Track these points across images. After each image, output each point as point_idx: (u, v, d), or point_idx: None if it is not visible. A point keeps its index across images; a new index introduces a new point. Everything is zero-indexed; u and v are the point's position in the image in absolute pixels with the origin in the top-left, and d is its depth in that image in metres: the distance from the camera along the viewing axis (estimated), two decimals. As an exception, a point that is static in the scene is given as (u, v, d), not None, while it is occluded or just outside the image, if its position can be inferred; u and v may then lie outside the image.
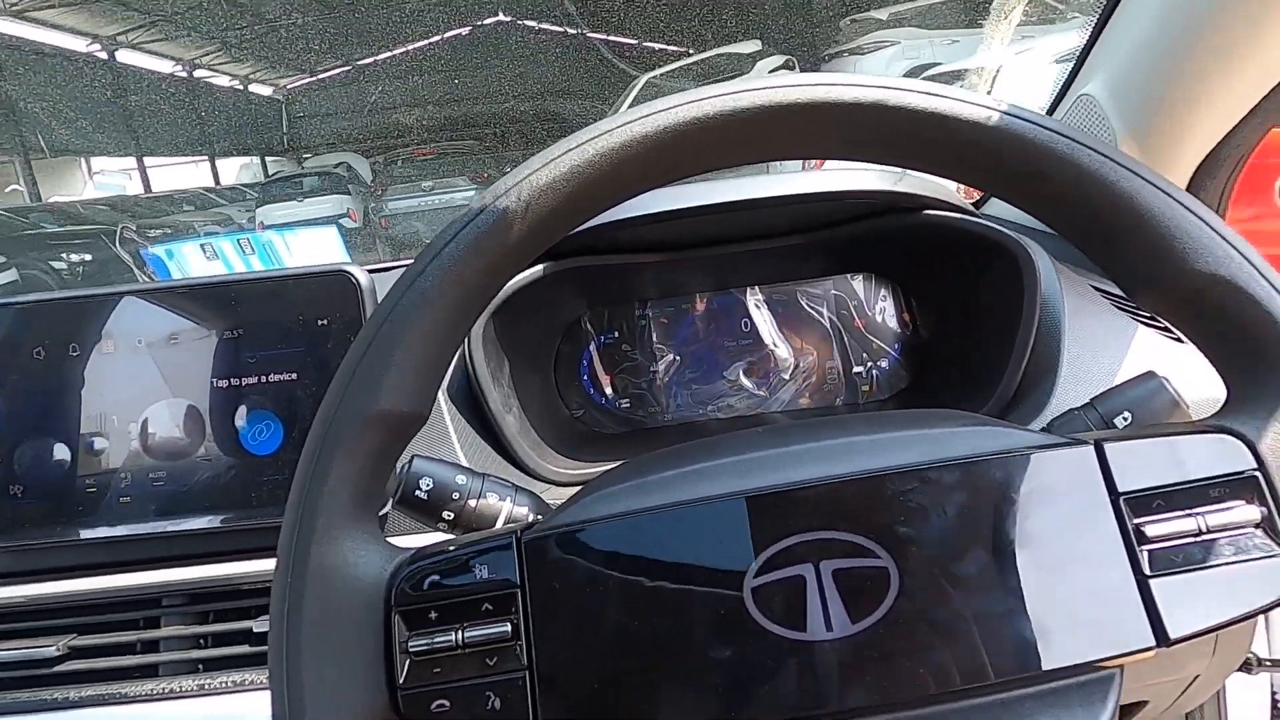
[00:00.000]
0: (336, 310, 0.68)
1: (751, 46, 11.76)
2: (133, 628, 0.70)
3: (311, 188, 11.62)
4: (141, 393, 0.69)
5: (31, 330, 0.70)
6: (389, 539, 0.71)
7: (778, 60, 11.41)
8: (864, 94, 0.43)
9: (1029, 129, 0.42)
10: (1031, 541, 0.39)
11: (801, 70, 11.43)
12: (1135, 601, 0.38)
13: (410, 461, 0.58)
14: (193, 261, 1.39)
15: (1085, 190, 0.42)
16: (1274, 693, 1.06)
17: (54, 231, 9.74)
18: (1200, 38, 0.71)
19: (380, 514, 0.68)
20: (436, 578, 0.41)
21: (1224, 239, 0.41)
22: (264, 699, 0.54)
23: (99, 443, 0.69)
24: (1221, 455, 0.40)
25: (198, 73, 16.49)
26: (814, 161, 1.02)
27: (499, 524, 0.57)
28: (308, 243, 1.43)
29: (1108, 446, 0.41)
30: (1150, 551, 0.39)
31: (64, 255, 8.85)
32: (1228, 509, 0.39)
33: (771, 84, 0.43)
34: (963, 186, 0.89)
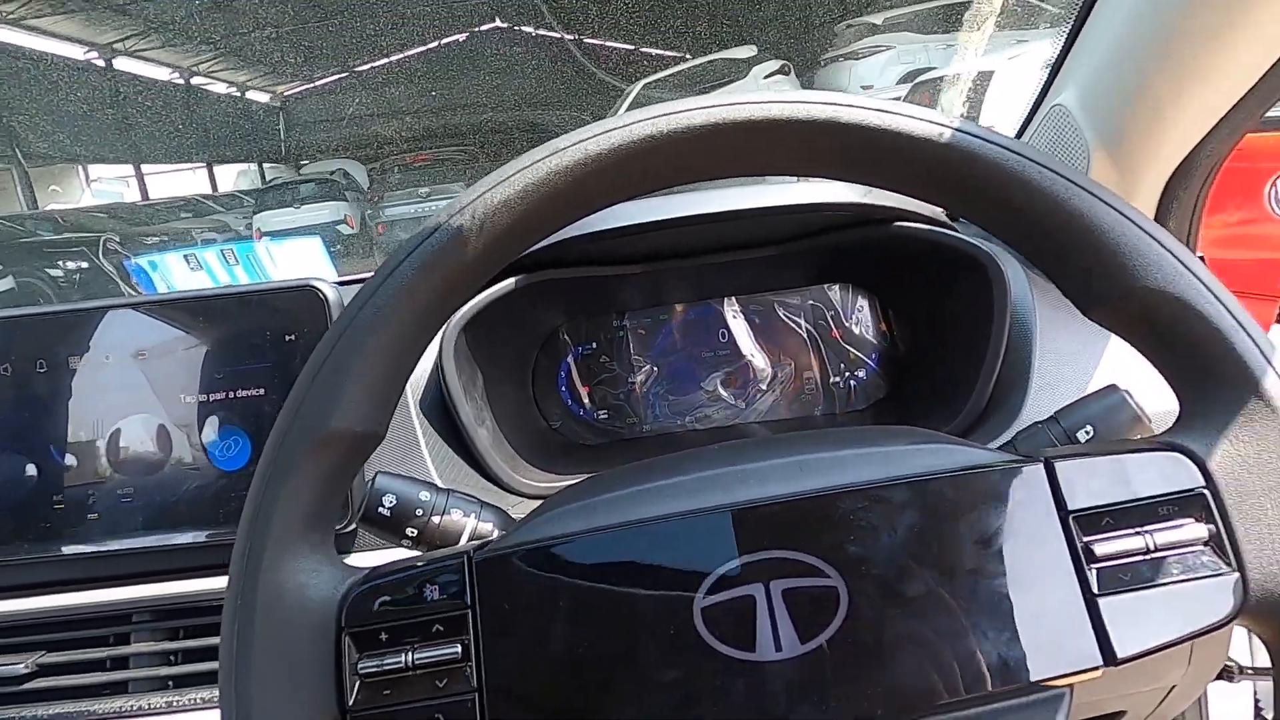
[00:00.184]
0: (304, 325, 0.68)
1: (747, 52, 11.78)
2: (102, 644, 0.70)
3: (309, 194, 11.62)
4: (110, 409, 0.69)
5: (-2, 347, 0.70)
6: (358, 554, 0.71)
7: (773, 65, 11.43)
8: (816, 111, 0.43)
9: (979, 145, 0.42)
10: (981, 561, 0.39)
11: (797, 76, 11.45)
12: (1083, 621, 0.38)
13: (374, 478, 0.58)
14: (176, 272, 1.39)
15: (1036, 206, 0.42)
16: (1257, 700, 1.06)
17: (50, 239, 9.74)
18: (1168, 49, 0.71)
19: (346, 530, 0.68)
20: (387, 599, 0.41)
21: (1173, 255, 0.41)
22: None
23: (67, 459, 0.69)
24: (1170, 473, 0.40)
25: (195, 80, 16.50)
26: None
27: (463, 540, 0.57)
28: (292, 253, 1.43)
29: (1058, 464, 0.41)
30: (1099, 570, 0.39)
31: (60, 263, 8.85)
32: (1176, 527, 0.39)
33: (723, 102, 0.43)
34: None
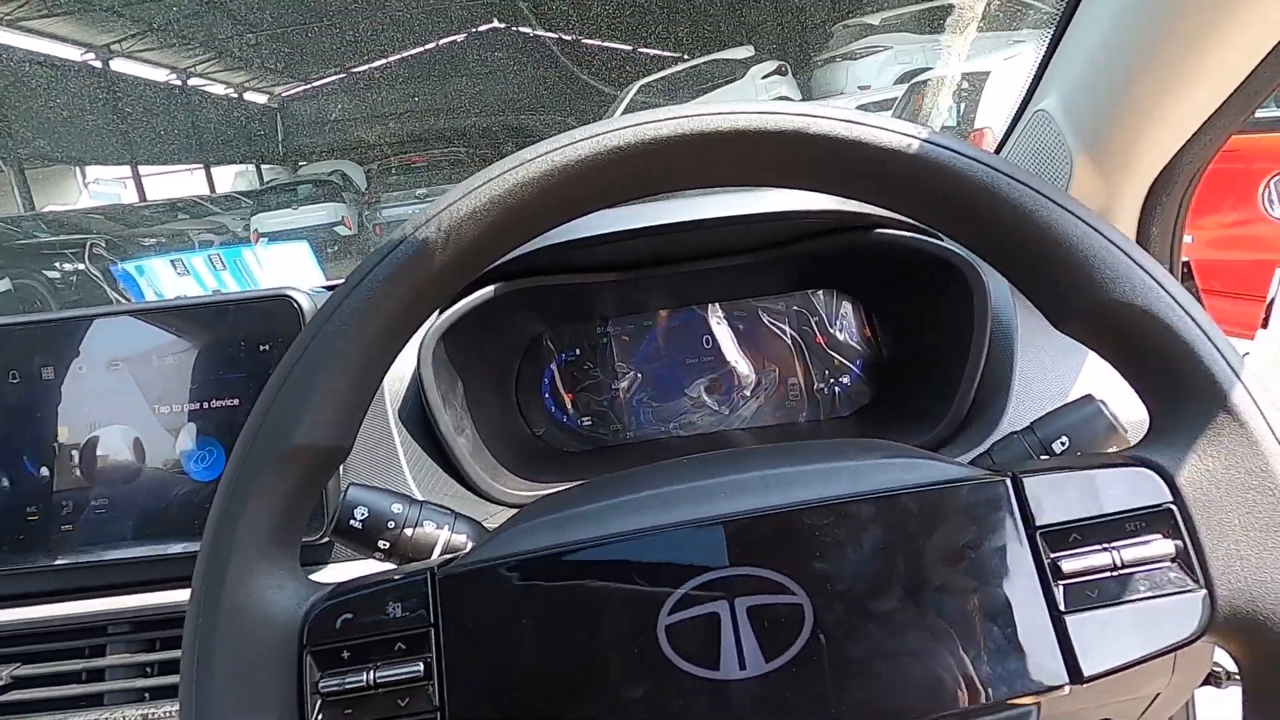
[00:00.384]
0: (279, 334, 0.67)
1: (744, 52, 11.80)
2: (78, 656, 0.69)
3: (306, 195, 11.65)
4: (85, 419, 0.69)
5: (-29, 357, 0.69)
6: (333, 565, 0.71)
7: (770, 66, 11.45)
8: (784, 121, 0.42)
9: (947, 157, 0.42)
10: (948, 577, 0.39)
11: (795, 77, 11.46)
12: (1050, 639, 0.38)
13: (346, 490, 0.58)
14: (164, 277, 1.38)
15: (1004, 219, 0.41)
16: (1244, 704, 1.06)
17: (47, 241, 9.74)
18: (1150, 55, 0.71)
19: (320, 542, 0.68)
20: (350, 615, 0.41)
21: (1142, 268, 0.40)
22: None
23: (41, 470, 0.68)
24: (1138, 488, 0.39)
25: (192, 81, 16.50)
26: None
27: (436, 552, 0.57)
28: (281, 258, 1.43)
29: (1026, 480, 0.40)
30: (1066, 587, 0.38)
31: (57, 265, 8.85)
32: (1143, 543, 0.39)
33: (691, 113, 0.43)
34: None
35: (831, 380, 0.94)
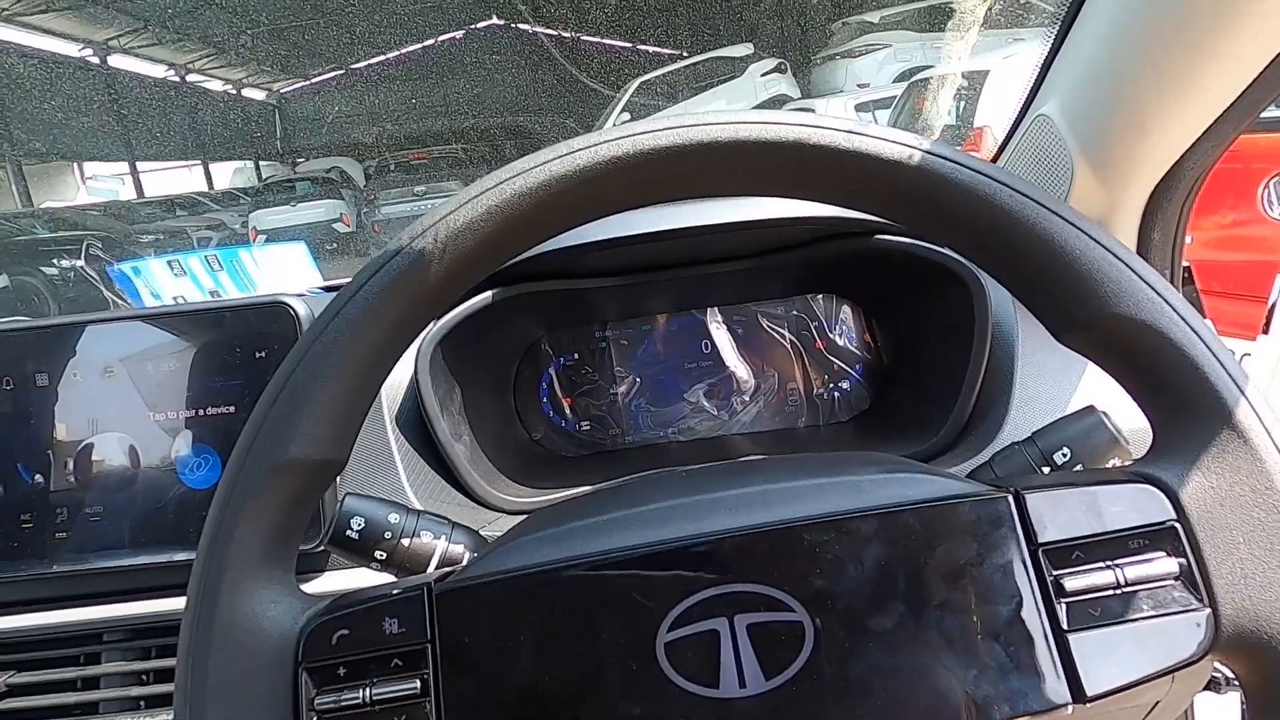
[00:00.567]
0: (274, 342, 0.67)
1: (743, 50, 11.78)
2: (72, 664, 0.69)
3: (305, 192, 11.63)
4: (79, 426, 0.68)
5: (-36, 365, 0.69)
6: (330, 573, 0.70)
7: (770, 63, 11.43)
8: (785, 132, 0.42)
9: (950, 169, 0.41)
10: (949, 594, 0.39)
11: (793, 74, 11.45)
12: (1053, 658, 0.38)
13: (342, 500, 0.57)
14: (160, 278, 1.38)
15: (1007, 231, 0.41)
16: (1244, 710, 1.05)
17: (45, 238, 9.73)
18: (1153, 62, 0.71)
19: (316, 551, 0.68)
20: (346, 632, 0.40)
21: (1145, 282, 0.40)
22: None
23: (35, 478, 0.68)
24: (1141, 505, 0.39)
25: (190, 77, 16.48)
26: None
27: (433, 563, 0.56)
28: (278, 259, 1.42)
29: (1028, 496, 0.40)
30: (1068, 605, 0.38)
31: (55, 261, 8.83)
32: (1146, 561, 0.38)
33: (691, 123, 0.42)
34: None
35: (831, 385, 0.94)
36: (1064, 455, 0.54)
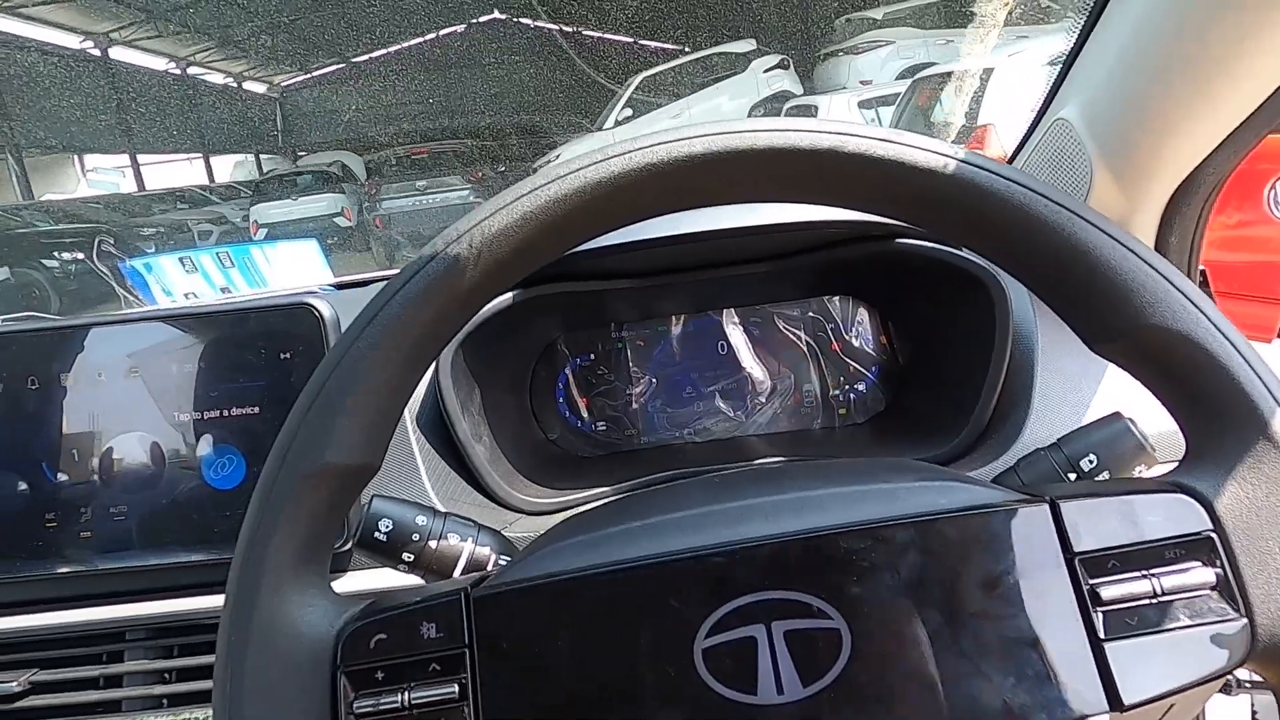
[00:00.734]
0: (299, 343, 0.67)
1: (746, 46, 11.76)
2: (95, 663, 0.69)
3: (306, 186, 11.60)
4: (103, 426, 0.68)
5: (-12, 364, 0.69)
6: (354, 573, 0.71)
7: (772, 60, 11.41)
8: (819, 140, 0.42)
9: (985, 178, 0.41)
10: (986, 603, 0.39)
11: (797, 71, 11.43)
12: (1090, 666, 0.38)
13: (370, 502, 0.57)
14: (172, 275, 1.38)
15: (1041, 241, 0.41)
16: (1254, 712, 1.06)
17: (47, 230, 9.73)
18: (1173, 68, 0.71)
19: (342, 550, 0.68)
20: (383, 636, 0.41)
21: (1181, 292, 0.40)
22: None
23: (60, 476, 0.68)
24: (1177, 515, 0.39)
25: (191, 70, 16.45)
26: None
27: (460, 566, 0.57)
28: (289, 256, 1.42)
29: (1064, 505, 0.40)
30: (1105, 614, 0.38)
31: (56, 254, 8.83)
32: (1183, 571, 0.38)
33: (727, 129, 0.42)
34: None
35: (846, 387, 0.94)
36: (1090, 462, 0.54)
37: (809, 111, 9.05)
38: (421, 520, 0.57)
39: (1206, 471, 0.40)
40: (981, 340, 0.76)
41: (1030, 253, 0.42)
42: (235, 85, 17.37)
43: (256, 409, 0.68)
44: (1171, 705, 0.82)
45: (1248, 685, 0.88)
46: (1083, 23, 0.80)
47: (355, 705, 0.40)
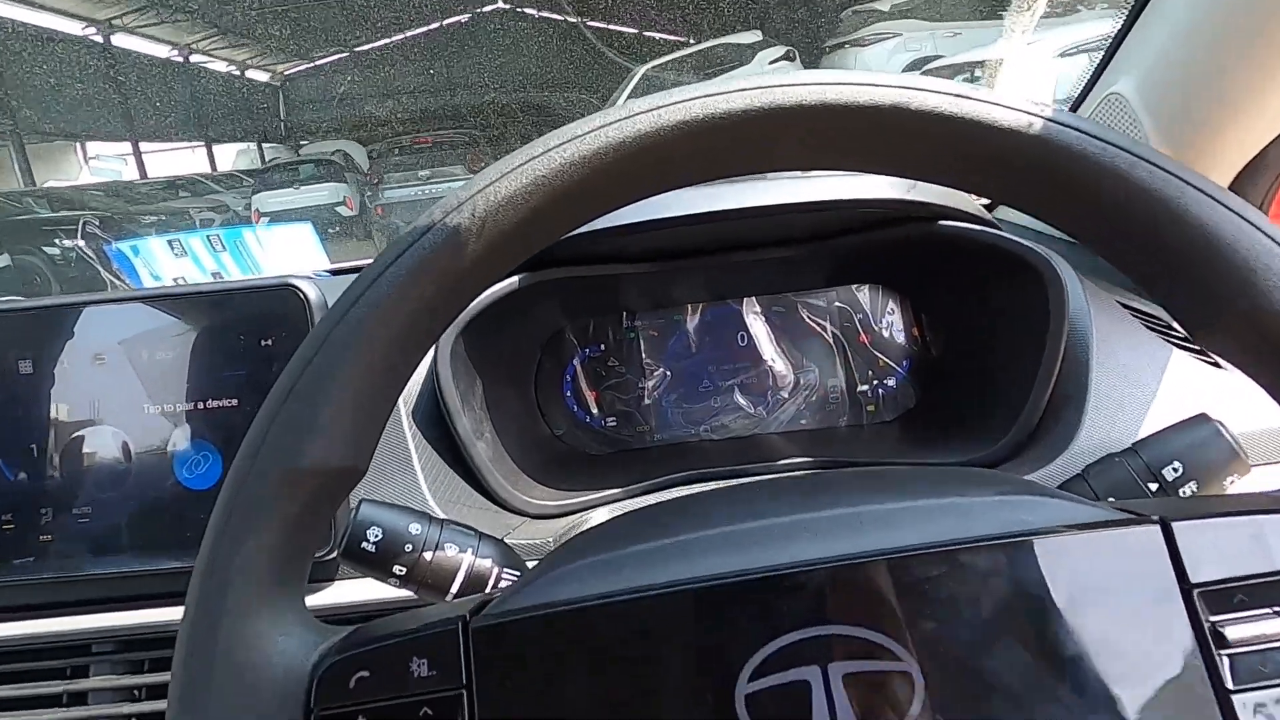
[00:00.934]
0: (282, 329, 0.61)
1: (752, 37, 11.67)
2: (58, 678, 0.63)
3: (308, 175, 11.58)
4: (66, 418, 0.62)
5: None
6: (340, 583, 0.64)
7: (778, 51, 11.32)
8: (881, 95, 0.35)
9: (1075, 139, 0.35)
10: (1086, 643, 0.32)
11: (803, 63, 11.34)
12: None
13: (357, 506, 0.51)
14: (160, 258, 1.31)
15: (1144, 213, 0.35)
16: None
17: (47, 217, 9.68)
18: (1242, 37, 0.64)
19: (327, 559, 0.62)
20: (366, 674, 0.34)
21: None
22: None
23: (18, 474, 0.62)
24: None
25: (194, 58, 16.38)
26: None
27: (458, 580, 0.51)
28: (284, 241, 1.36)
29: (1176, 526, 0.34)
30: (1231, 659, 0.32)
31: (57, 241, 8.78)
32: None
33: (770, 83, 0.36)
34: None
35: (875, 382, 0.88)
36: (1175, 470, 0.48)
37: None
38: (415, 528, 0.50)
39: None
40: (1030, 331, 0.69)
41: (1130, 228, 0.36)
42: (238, 73, 17.29)
43: (235, 401, 0.61)
44: None
45: None
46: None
47: None
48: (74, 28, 14.08)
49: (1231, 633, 0.32)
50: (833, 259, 0.82)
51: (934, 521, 0.35)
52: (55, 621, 0.63)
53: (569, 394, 0.88)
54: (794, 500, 0.38)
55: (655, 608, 0.34)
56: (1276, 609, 0.32)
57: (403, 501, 0.66)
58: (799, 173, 0.76)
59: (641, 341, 0.88)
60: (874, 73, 0.37)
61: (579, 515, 0.70)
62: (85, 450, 0.62)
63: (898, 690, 0.32)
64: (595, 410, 0.89)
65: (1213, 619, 0.32)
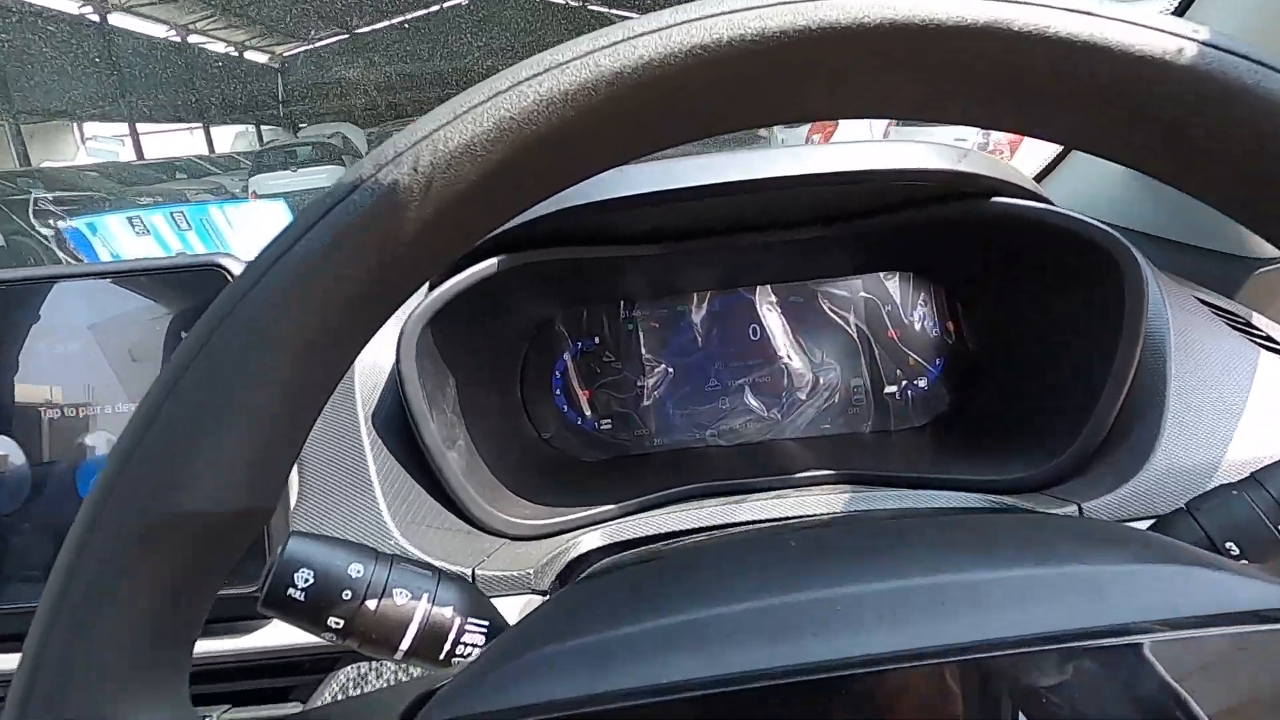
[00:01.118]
0: (206, 318, 0.51)
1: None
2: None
3: (305, 158, 11.59)
4: (-50, 422, 0.52)
5: None
6: (274, 626, 0.54)
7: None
8: (974, 11, 0.25)
9: (1248, 69, 0.24)
10: None
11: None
12: None
13: (285, 542, 0.41)
14: (120, 237, 1.22)
15: None
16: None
17: (42, 197, 9.62)
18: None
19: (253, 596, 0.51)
20: None
21: None
22: None
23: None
24: None
25: (192, 38, 16.24)
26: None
27: (409, 635, 0.40)
28: (254, 219, 1.26)
29: None
30: None
31: (52, 222, 8.69)
32: None
33: None
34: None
35: (904, 383, 0.78)
36: None
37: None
38: (356, 570, 0.40)
39: None
40: (1096, 328, 0.59)
41: None
42: (236, 54, 17.15)
43: (149, 404, 0.51)
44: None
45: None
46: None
47: None
48: (70, 5, 13.94)
49: None
50: (861, 242, 0.71)
51: (1050, 597, 0.25)
52: None
53: (559, 393, 0.79)
54: (847, 561, 0.28)
55: (670, 715, 0.24)
56: None
57: (356, 524, 0.56)
58: (820, 139, 0.65)
59: (641, 334, 0.78)
60: None
61: (567, 537, 0.60)
62: (-29, 461, 0.52)
63: None
64: (588, 411, 0.79)
65: None
